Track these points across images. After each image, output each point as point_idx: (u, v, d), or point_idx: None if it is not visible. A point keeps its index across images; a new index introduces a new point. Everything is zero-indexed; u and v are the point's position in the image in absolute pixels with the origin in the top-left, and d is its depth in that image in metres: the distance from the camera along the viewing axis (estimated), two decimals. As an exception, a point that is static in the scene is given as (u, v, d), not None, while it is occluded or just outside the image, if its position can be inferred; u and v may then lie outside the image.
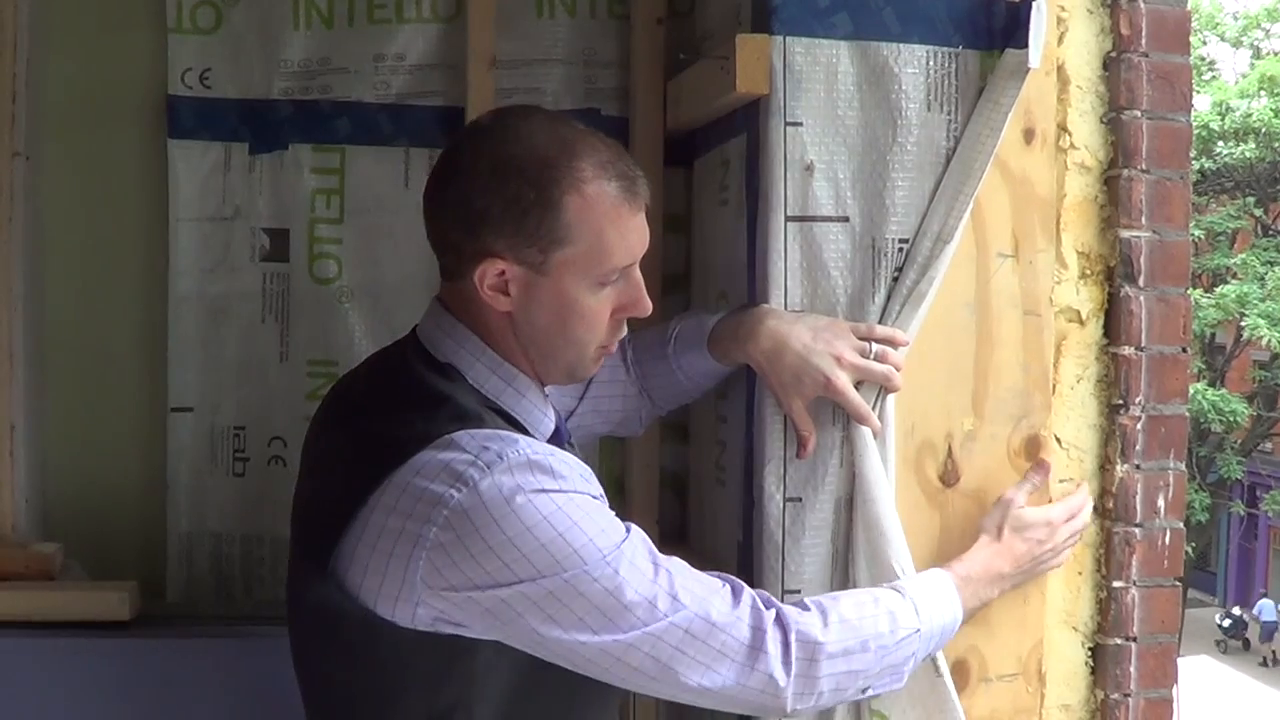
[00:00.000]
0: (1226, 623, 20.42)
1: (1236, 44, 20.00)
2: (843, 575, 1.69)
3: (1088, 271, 1.85)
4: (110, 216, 2.25)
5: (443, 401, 1.41)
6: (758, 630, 1.40)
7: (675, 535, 2.18)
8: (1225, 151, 17.92)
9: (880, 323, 1.69)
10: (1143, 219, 1.84)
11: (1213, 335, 18.80)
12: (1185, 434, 1.89)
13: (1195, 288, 16.44)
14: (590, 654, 1.36)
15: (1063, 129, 1.83)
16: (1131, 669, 1.84)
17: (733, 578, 1.43)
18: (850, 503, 1.68)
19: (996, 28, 1.71)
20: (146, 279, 2.25)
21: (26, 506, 2.13)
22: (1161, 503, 1.86)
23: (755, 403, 1.73)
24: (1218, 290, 17.28)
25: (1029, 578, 1.70)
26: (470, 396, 1.43)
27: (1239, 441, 19.00)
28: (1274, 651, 19.58)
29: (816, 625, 1.43)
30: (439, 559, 1.33)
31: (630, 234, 1.44)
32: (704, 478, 2.04)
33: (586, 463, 1.46)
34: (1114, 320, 1.85)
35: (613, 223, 1.42)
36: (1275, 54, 19.12)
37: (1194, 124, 2.01)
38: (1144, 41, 1.84)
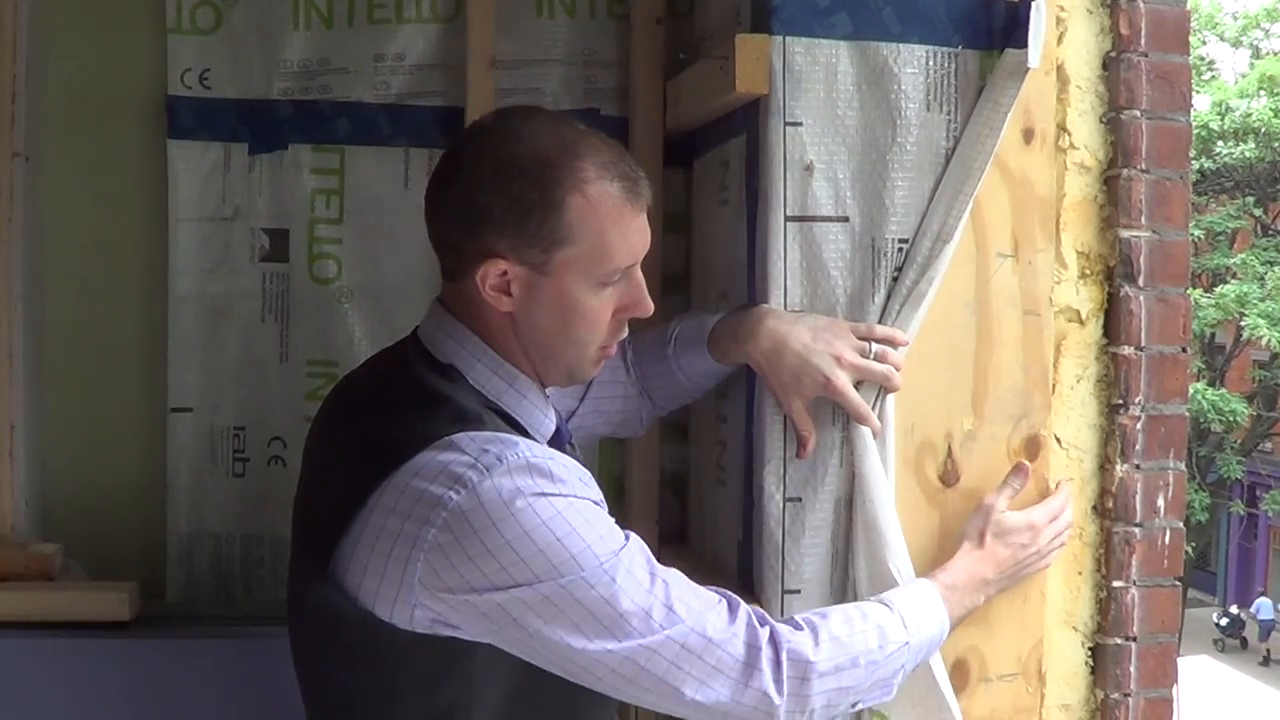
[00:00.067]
0: (1224, 621, 20.40)
1: (1236, 44, 20.00)
2: (842, 575, 1.69)
3: (1087, 271, 1.85)
4: (110, 216, 2.24)
5: (443, 403, 1.41)
6: (753, 648, 1.39)
7: (675, 535, 2.18)
8: (1225, 151, 17.91)
9: (880, 323, 1.69)
10: (1142, 219, 1.84)
11: (1212, 335, 18.80)
12: (1185, 434, 1.89)
13: (1195, 288, 16.45)
14: (584, 662, 1.36)
15: (1062, 129, 1.83)
16: (1131, 669, 1.84)
17: (729, 592, 1.43)
18: (850, 503, 1.68)
19: (996, 28, 1.71)
20: (146, 279, 2.25)
21: (26, 507, 2.12)
22: (1161, 502, 1.86)
23: (755, 403, 1.73)
24: (1217, 290, 17.27)
25: (1015, 582, 1.70)
26: (471, 397, 1.43)
27: (1239, 441, 18.99)
28: (1268, 650, 19.57)
29: (808, 644, 1.43)
30: (437, 561, 1.32)
31: (632, 234, 1.44)
32: (704, 478, 2.04)
33: (586, 463, 1.46)
34: (1114, 320, 1.85)
35: (615, 223, 1.42)
36: (1275, 54, 19.11)
37: (1194, 124, 2.01)
38: (1143, 41, 1.84)
